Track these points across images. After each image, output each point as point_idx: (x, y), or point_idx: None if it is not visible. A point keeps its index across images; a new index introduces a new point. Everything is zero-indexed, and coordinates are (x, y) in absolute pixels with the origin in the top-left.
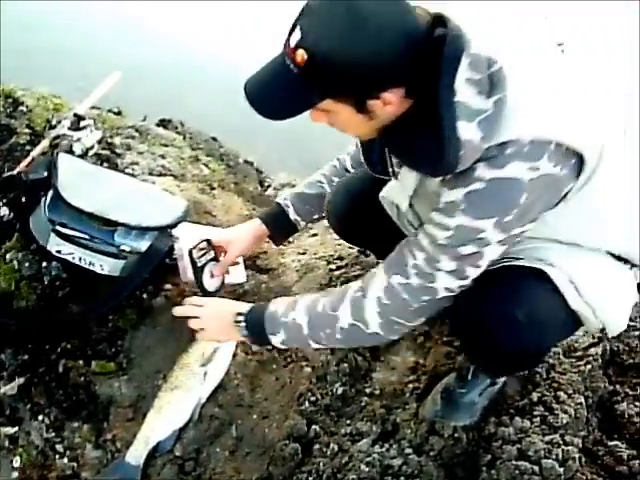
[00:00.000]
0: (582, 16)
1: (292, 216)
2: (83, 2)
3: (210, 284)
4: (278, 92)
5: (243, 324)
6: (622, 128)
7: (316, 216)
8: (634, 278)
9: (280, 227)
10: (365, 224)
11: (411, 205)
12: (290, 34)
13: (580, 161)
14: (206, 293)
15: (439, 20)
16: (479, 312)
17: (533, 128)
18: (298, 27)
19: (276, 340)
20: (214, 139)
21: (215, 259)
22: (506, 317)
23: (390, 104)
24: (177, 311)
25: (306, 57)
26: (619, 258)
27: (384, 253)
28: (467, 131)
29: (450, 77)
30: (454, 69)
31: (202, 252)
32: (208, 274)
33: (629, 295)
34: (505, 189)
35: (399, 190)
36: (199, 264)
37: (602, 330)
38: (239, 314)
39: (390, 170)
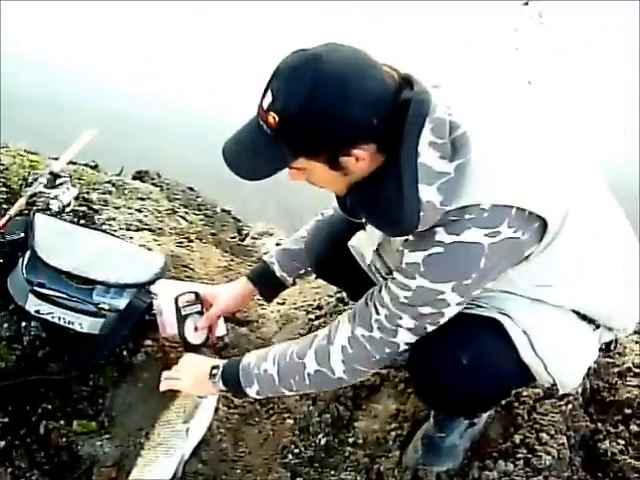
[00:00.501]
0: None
1: (278, 273)
2: (53, 54)
3: (193, 337)
4: (254, 154)
5: (218, 378)
6: (594, 186)
7: (302, 271)
8: (597, 338)
9: (267, 284)
10: (341, 265)
11: (380, 255)
12: (263, 97)
13: (543, 225)
14: (187, 345)
15: (407, 81)
16: (427, 354)
17: (494, 193)
18: (269, 90)
19: (251, 392)
20: (191, 189)
21: (201, 313)
22: (450, 360)
23: (363, 159)
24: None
25: (277, 119)
26: (584, 317)
27: (358, 295)
28: (427, 193)
29: (412, 140)
30: (417, 132)
31: (188, 303)
32: (192, 325)
33: (587, 354)
34: (464, 254)
35: (366, 241)
36: (183, 312)
37: (552, 386)
38: (214, 367)
39: (362, 218)
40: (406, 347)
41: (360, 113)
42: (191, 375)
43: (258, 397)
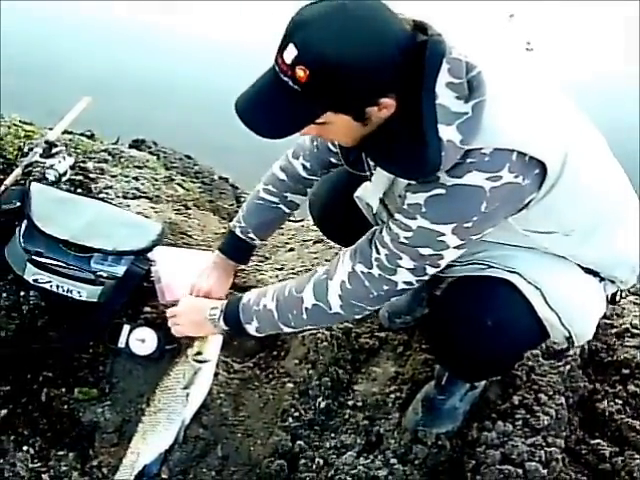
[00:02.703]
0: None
1: (257, 242)
2: (47, 22)
3: (140, 348)
4: (276, 111)
5: (219, 317)
6: (590, 133)
7: (275, 231)
8: (603, 290)
9: (248, 256)
10: (343, 219)
11: (385, 205)
12: (283, 50)
13: (543, 171)
14: (134, 356)
15: (420, 27)
16: (450, 320)
17: (496, 137)
18: (292, 43)
19: (251, 328)
20: (188, 157)
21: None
22: (475, 323)
23: (386, 108)
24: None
25: (307, 73)
26: (588, 271)
27: None
28: (447, 133)
29: (431, 81)
30: (435, 73)
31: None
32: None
33: (597, 306)
34: (465, 196)
35: (372, 191)
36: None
37: (568, 339)
38: (214, 308)
39: (367, 170)
40: (404, 286)
41: (390, 59)
42: (190, 317)
43: (258, 334)
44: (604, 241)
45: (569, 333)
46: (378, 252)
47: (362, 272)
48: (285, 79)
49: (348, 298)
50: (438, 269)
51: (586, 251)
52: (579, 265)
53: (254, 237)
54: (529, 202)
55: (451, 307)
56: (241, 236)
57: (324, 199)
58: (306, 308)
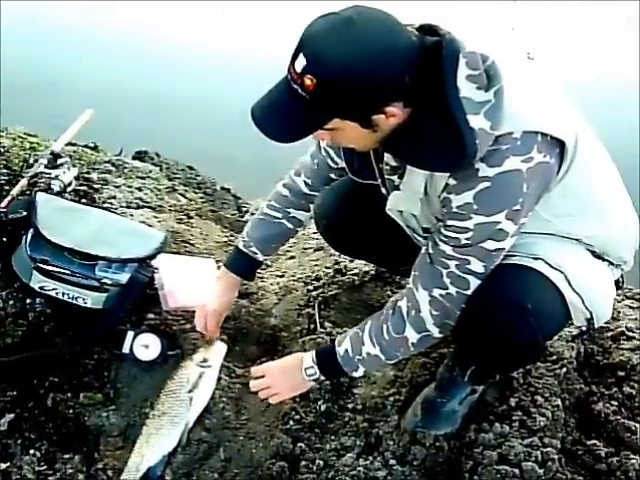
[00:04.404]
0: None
1: (261, 258)
2: (49, 37)
3: (143, 354)
4: (287, 117)
5: (317, 375)
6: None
7: (280, 247)
8: (612, 275)
9: (253, 272)
10: (352, 230)
11: (413, 214)
12: (294, 60)
13: (561, 151)
14: (138, 362)
15: (428, 30)
16: (488, 307)
17: (522, 121)
18: (302, 54)
19: (357, 374)
20: (190, 168)
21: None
22: (517, 307)
23: (393, 116)
24: (252, 387)
25: (314, 82)
26: (597, 256)
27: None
28: (477, 121)
29: (452, 76)
30: (455, 68)
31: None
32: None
33: (610, 288)
34: (508, 183)
35: (406, 197)
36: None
37: (589, 320)
38: (308, 368)
39: (379, 179)
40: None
41: (394, 71)
42: (287, 383)
43: (362, 375)
44: (614, 221)
45: (590, 315)
46: (446, 266)
47: (441, 295)
48: (295, 87)
49: (441, 321)
50: (498, 262)
51: (600, 230)
52: (590, 251)
53: (256, 251)
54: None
55: (489, 295)
56: (243, 249)
57: (330, 210)
58: (413, 343)
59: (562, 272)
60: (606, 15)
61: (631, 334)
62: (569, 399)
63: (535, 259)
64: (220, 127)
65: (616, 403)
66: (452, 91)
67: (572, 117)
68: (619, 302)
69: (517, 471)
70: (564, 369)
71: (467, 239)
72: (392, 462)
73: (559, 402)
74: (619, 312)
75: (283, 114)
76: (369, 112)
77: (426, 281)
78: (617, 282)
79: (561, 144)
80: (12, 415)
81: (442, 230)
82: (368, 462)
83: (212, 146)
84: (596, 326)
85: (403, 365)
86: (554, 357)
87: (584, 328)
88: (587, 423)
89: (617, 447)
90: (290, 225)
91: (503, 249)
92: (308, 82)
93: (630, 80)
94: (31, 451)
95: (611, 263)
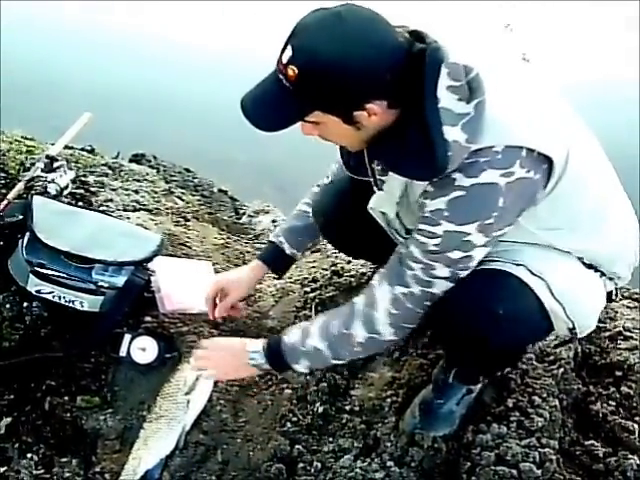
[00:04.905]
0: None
1: (288, 251)
2: (46, 40)
3: (140, 357)
4: (271, 106)
5: (259, 361)
6: (585, 132)
7: (310, 244)
8: (603, 285)
9: (280, 263)
10: (349, 226)
11: (397, 215)
12: (282, 52)
13: (549, 166)
14: (134, 365)
15: (417, 36)
16: (462, 313)
17: (506, 135)
18: (289, 46)
19: (300, 367)
20: (187, 170)
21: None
22: (488, 313)
23: (375, 115)
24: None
25: (296, 72)
26: (589, 266)
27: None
28: (452, 133)
29: (433, 85)
30: (435, 78)
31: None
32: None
33: (598, 299)
34: (484, 194)
35: (386, 199)
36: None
37: (571, 330)
38: (253, 352)
39: (372, 178)
40: (443, 295)
41: (375, 68)
42: (227, 360)
43: (306, 371)
44: (606, 236)
45: (572, 324)
46: (412, 268)
47: (402, 294)
48: (280, 77)
49: (398, 323)
50: (469, 271)
51: (590, 246)
52: (582, 261)
53: (283, 240)
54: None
55: (463, 300)
56: (272, 239)
57: (328, 206)
58: (360, 342)
59: (543, 280)
60: (606, 15)
61: (628, 334)
62: (567, 399)
63: (517, 265)
64: (217, 129)
65: (614, 403)
66: (430, 100)
67: (566, 127)
68: (616, 302)
69: (515, 472)
70: (561, 369)
71: (435, 245)
72: (390, 464)
73: (557, 403)
74: (616, 312)
75: (267, 103)
76: (350, 107)
77: (391, 279)
78: (609, 294)
79: (549, 160)
80: (9, 419)
81: (414, 234)
82: (366, 464)
83: (209, 148)
84: (579, 337)
85: (400, 366)
86: (551, 357)
87: (567, 338)
88: (585, 423)
89: (615, 447)
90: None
91: (471, 257)
92: (291, 72)
93: (630, 80)
94: (28, 455)
95: (603, 274)
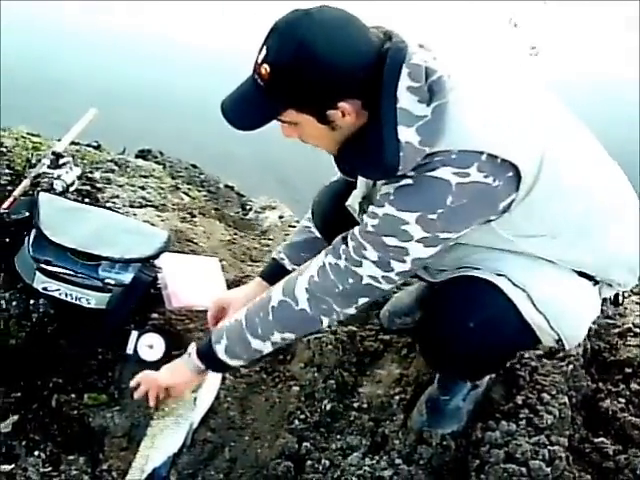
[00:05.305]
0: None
1: (289, 267)
2: (50, 37)
3: (148, 354)
4: (247, 105)
5: (192, 351)
6: (577, 131)
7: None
8: (597, 293)
9: (272, 272)
10: (344, 225)
11: (363, 210)
12: (259, 52)
13: (517, 173)
14: (142, 362)
15: (389, 36)
16: (435, 322)
17: (462, 141)
18: (265, 46)
19: (220, 349)
20: (194, 166)
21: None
22: (458, 324)
23: (348, 114)
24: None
25: (268, 71)
26: (582, 274)
27: None
28: (406, 134)
29: (391, 85)
30: (395, 78)
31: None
32: (147, 343)
33: (588, 308)
34: (431, 187)
35: (355, 195)
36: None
37: (558, 342)
38: (189, 354)
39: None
40: (370, 282)
41: (346, 66)
42: (167, 367)
43: (228, 358)
44: (595, 243)
45: (558, 336)
46: (347, 244)
47: (329, 264)
48: (256, 76)
49: (315, 291)
50: (405, 266)
51: (576, 254)
52: (573, 269)
53: (283, 257)
54: (510, 204)
55: (436, 309)
56: (274, 255)
57: (326, 207)
58: (272, 307)
59: (525, 291)
60: (606, 15)
61: (638, 330)
62: (576, 396)
63: (499, 275)
64: (223, 125)
65: (623, 400)
66: (388, 100)
67: (543, 131)
68: (625, 298)
69: (524, 470)
70: (571, 366)
71: (372, 226)
72: (398, 461)
73: (566, 400)
74: (625, 308)
75: (243, 102)
76: (322, 105)
77: (328, 249)
78: (616, 298)
79: (515, 167)
80: (16, 416)
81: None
82: (374, 462)
83: (215, 144)
84: (566, 348)
85: (408, 363)
86: (561, 354)
87: (554, 349)
88: (594, 421)
89: (625, 444)
90: (317, 234)
91: (406, 251)
92: (264, 71)
93: (630, 80)
94: (36, 452)
95: (596, 282)
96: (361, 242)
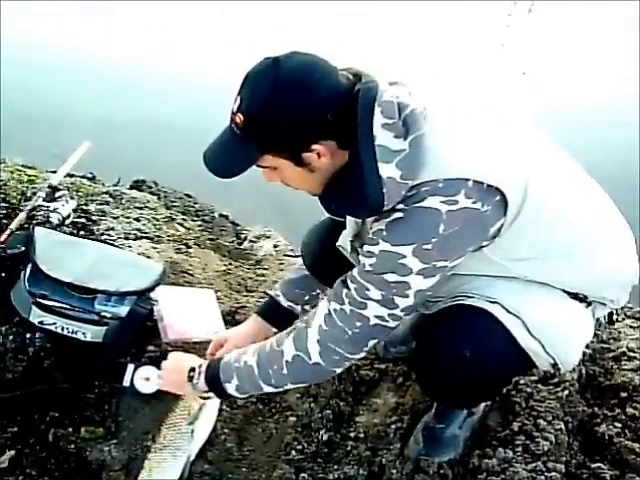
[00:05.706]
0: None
1: (285, 303)
2: (45, 69)
3: (143, 386)
4: (226, 153)
5: (197, 379)
6: (559, 157)
7: (307, 297)
8: (590, 315)
9: (277, 317)
10: (333, 265)
11: (355, 248)
12: (234, 102)
13: (504, 198)
14: (137, 394)
15: (359, 77)
16: (430, 351)
17: (444, 170)
18: (239, 96)
19: (231, 387)
20: (188, 196)
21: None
22: (453, 354)
23: (324, 155)
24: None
25: (242, 119)
26: (574, 296)
27: None
28: (386, 170)
29: (366, 124)
30: (369, 116)
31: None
32: (143, 375)
33: (582, 331)
34: (422, 217)
35: (345, 235)
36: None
37: (554, 366)
38: (192, 370)
39: (343, 218)
40: (378, 322)
41: (315, 110)
42: (172, 377)
43: (238, 395)
44: (585, 263)
45: (554, 360)
46: (348, 287)
47: (335, 310)
48: (232, 125)
49: (326, 341)
50: (409, 300)
51: (568, 275)
52: (565, 291)
53: (279, 293)
54: (499, 229)
55: (431, 338)
56: (269, 292)
57: (315, 248)
58: (286, 361)
59: (519, 317)
60: (606, 15)
61: (632, 354)
62: (572, 422)
63: (492, 302)
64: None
65: (619, 425)
66: (365, 138)
67: (525, 163)
68: (619, 322)
69: None
70: (566, 391)
71: (370, 265)
72: None
73: (562, 425)
74: (620, 332)
75: (222, 151)
76: (296, 149)
77: (330, 295)
78: (610, 317)
79: (500, 192)
80: (13, 452)
81: (359, 255)
82: None
83: (209, 173)
84: (562, 372)
85: (404, 392)
86: (556, 380)
87: (549, 374)
88: (591, 446)
89: (622, 469)
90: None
91: (407, 285)
92: (238, 120)
93: (630, 80)
94: None
95: (589, 303)
96: (362, 283)
